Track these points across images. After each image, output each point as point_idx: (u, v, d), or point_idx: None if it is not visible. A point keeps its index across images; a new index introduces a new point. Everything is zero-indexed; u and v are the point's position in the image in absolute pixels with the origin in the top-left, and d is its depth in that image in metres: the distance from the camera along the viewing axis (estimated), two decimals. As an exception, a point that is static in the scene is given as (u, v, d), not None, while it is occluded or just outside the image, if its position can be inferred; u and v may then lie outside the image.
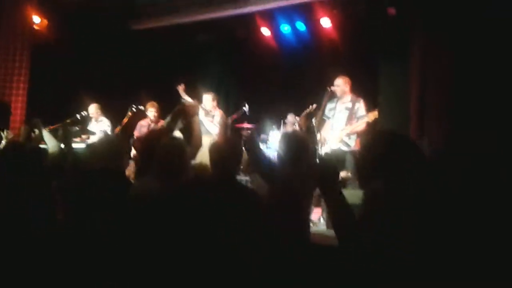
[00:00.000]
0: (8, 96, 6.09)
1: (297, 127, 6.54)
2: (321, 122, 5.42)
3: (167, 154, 2.65)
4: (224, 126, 5.76)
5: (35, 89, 6.28)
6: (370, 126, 4.87)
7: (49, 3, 6.64)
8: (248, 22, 7.05)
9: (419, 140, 4.46)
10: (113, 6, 6.86)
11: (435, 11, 5.24)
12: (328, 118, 5.32)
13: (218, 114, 5.90)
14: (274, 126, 6.45)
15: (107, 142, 3.14)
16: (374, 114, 4.83)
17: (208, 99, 5.88)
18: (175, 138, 3.00)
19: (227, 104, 7.99)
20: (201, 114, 5.64)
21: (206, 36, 7.49)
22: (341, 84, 5.13)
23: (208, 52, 7.94)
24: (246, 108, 6.47)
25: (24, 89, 6.13)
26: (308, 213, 3.25)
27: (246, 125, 6.41)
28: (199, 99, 5.87)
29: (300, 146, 3.07)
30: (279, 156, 3.20)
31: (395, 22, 6.02)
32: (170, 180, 2.59)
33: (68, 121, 5.63)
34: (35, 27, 6.57)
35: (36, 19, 6.57)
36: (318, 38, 6.80)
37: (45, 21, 6.67)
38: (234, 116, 6.42)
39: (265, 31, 7.17)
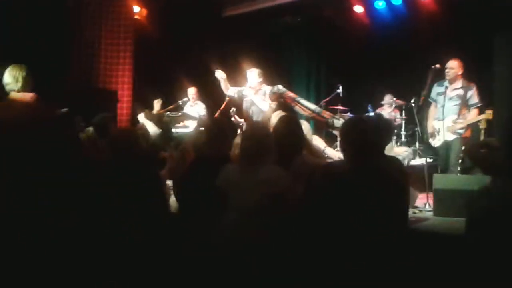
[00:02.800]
0: (115, 84, 6.50)
1: (394, 108, 6.35)
2: (426, 103, 5.18)
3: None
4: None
5: (138, 76, 6.63)
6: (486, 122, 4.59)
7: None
8: (339, 0, 6.85)
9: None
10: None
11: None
12: (435, 101, 5.06)
13: (267, 89, 5.33)
14: (370, 108, 6.28)
15: (215, 127, 3.25)
16: (488, 115, 4.53)
17: (253, 76, 5.36)
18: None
19: (319, 87, 7.91)
20: (251, 93, 5.28)
21: (296, 18, 7.40)
22: (455, 67, 4.83)
23: (297, 34, 7.84)
24: (339, 90, 6.37)
25: (129, 77, 6.52)
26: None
27: (340, 107, 6.32)
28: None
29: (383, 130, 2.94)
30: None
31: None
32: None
33: (170, 107, 5.91)
34: (136, 16, 6.90)
35: (136, 8, 6.90)
36: (417, 13, 6.36)
37: (144, 10, 6.98)
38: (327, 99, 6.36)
39: (358, 8, 6.91)
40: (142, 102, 6.37)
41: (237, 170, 2.73)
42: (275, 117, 3.66)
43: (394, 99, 6.23)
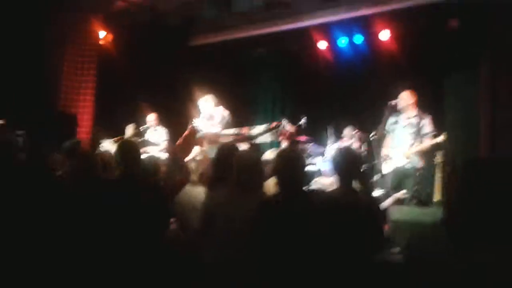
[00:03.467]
0: (75, 108, 6.37)
1: (355, 141, 6.48)
2: (382, 136, 5.35)
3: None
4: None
5: (100, 101, 6.53)
6: (438, 146, 4.75)
7: (114, 19, 6.92)
8: (304, 36, 7.06)
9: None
10: (173, 23, 7.07)
11: (502, 23, 5.07)
12: (389, 132, 5.23)
13: (221, 110, 5.55)
14: (331, 140, 6.39)
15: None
16: (443, 137, 4.70)
17: (206, 103, 5.57)
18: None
19: (283, 117, 8.02)
20: (202, 122, 5.45)
21: (262, 50, 7.56)
22: (405, 98, 5.03)
23: (263, 66, 7.99)
24: (304, 121, 6.46)
25: (90, 101, 6.42)
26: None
27: (303, 138, 6.39)
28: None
29: (353, 162, 3.03)
30: (333, 170, 3.17)
31: (459, 35, 5.86)
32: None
33: (130, 135, 5.83)
34: (101, 41, 6.86)
35: (102, 33, 6.87)
36: (376, 51, 6.69)
37: (110, 36, 6.96)
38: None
39: (322, 45, 7.15)
40: (103, 126, 6.28)
41: (228, 195, 2.78)
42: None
43: (355, 131, 6.37)
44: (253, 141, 4.45)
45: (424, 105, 5.07)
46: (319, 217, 2.55)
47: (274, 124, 4.71)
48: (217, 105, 5.68)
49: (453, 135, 4.88)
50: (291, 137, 5.35)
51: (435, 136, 4.87)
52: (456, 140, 5.05)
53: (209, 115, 5.55)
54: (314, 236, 2.49)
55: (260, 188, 2.85)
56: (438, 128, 4.85)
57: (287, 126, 5.43)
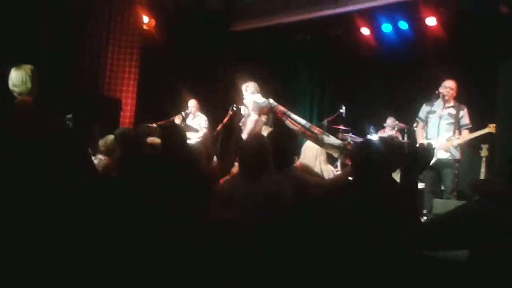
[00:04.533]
0: (119, 92, 6.53)
1: (396, 132, 6.35)
2: (420, 125, 5.19)
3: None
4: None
5: (143, 86, 6.67)
6: (483, 138, 4.59)
7: (157, 4, 7.01)
8: (347, 22, 6.90)
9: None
10: (214, 8, 7.08)
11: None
12: (423, 121, 5.07)
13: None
14: (372, 130, 6.29)
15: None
16: (488, 129, 4.53)
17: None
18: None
19: (322, 106, 7.94)
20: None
21: (304, 36, 7.46)
22: (454, 87, 4.86)
23: (305, 52, 7.90)
24: (343, 110, 6.39)
25: (134, 86, 6.55)
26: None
27: (342, 127, 6.32)
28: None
29: (394, 152, 2.95)
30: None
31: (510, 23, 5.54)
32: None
33: (172, 119, 5.94)
34: (144, 26, 6.96)
35: (145, 19, 6.97)
36: (422, 37, 6.43)
37: (153, 21, 7.04)
38: (330, 118, 6.37)
39: (365, 31, 6.97)
40: (145, 112, 6.42)
41: (238, 182, 2.78)
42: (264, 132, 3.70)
43: (397, 122, 6.24)
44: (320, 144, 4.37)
45: (466, 96, 4.88)
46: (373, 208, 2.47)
47: (348, 145, 4.49)
48: (255, 92, 5.61)
49: (502, 128, 4.67)
50: None
51: (471, 129, 4.72)
52: (506, 133, 4.83)
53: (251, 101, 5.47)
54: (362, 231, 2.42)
55: (266, 176, 2.75)
56: (486, 120, 4.66)
57: None
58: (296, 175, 3.12)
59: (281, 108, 4.78)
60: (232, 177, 2.96)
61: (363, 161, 2.65)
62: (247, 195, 2.64)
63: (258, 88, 5.27)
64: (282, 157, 3.07)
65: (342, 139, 5.35)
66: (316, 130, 4.35)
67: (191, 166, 3.23)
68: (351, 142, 5.32)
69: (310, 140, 4.22)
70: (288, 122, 4.71)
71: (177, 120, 5.86)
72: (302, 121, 4.62)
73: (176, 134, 3.17)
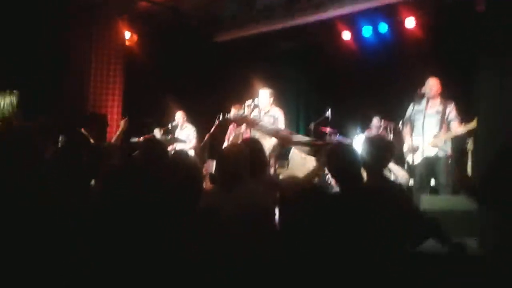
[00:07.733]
0: (104, 108, 6.51)
1: (382, 131, 6.41)
2: (406, 125, 5.24)
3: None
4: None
5: (129, 101, 6.66)
6: (470, 132, 4.65)
7: (138, 20, 7.04)
8: (328, 27, 7.01)
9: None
10: (197, 20, 7.13)
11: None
12: (412, 121, 5.12)
13: (277, 112, 5.44)
14: (358, 130, 6.35)
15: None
16: (473, 124, 4.60)
17: (264, 95, 5.43)
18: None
19: (308, 110, 8.01)
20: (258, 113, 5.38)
21: (286, 44, 7.55)
22: (436, 85, 4.94)
23: (288, 59, 7.98)
24: (328, 112, 6.44)
25: (119, 101, 6.55)
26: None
27: (328, 129, 6.39)
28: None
29: (384, 150, 2.98)
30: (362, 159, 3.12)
31: (487, 20, 5.68)
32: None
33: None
34: (126, 42, 6.98)
35: (127, 34, 6.98)
36: (402, 39, 6.58)
37: (135, 36, 7.07)
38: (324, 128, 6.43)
39: (346, 35, 7.09)
40: (131, 126, 6.39)
41: (217, 192, 2.80)
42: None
43: (382, 121, 6.30)
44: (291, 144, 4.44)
45: (451, 92, 4.96)
46: (367, 209, 2.47)
47: (319, 142, 4.48)
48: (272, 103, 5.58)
49: (485, 123, 4.74)
50: None
51: (462, 122, 4.78)
52: (489, 127, 4.90)
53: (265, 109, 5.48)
54: (360, 230, 2.40)
55: (241, 184, 2.74)
56: (467, 115, 4.74)
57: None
58: (270, 179, 3.15)
59: (250, 118, 5.04)
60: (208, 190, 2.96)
61: (340, 167, 2.71)
62: (226, 205, 2.57)
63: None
64: (256, 165, 3.06)
65: (329, 142, 5.42)
66: (285, 132, 4.50)
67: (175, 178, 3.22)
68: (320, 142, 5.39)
69: (280, 141, 4.37)
70: (256, 130, 4.85)
71: (157, 133, 5.86)
72: (269, 126, 4.78)
73: (155, 148, 3.16)
